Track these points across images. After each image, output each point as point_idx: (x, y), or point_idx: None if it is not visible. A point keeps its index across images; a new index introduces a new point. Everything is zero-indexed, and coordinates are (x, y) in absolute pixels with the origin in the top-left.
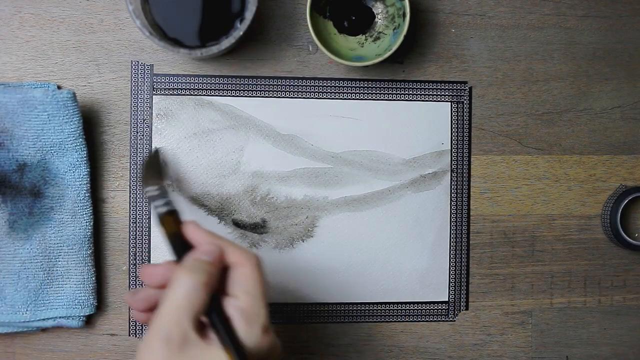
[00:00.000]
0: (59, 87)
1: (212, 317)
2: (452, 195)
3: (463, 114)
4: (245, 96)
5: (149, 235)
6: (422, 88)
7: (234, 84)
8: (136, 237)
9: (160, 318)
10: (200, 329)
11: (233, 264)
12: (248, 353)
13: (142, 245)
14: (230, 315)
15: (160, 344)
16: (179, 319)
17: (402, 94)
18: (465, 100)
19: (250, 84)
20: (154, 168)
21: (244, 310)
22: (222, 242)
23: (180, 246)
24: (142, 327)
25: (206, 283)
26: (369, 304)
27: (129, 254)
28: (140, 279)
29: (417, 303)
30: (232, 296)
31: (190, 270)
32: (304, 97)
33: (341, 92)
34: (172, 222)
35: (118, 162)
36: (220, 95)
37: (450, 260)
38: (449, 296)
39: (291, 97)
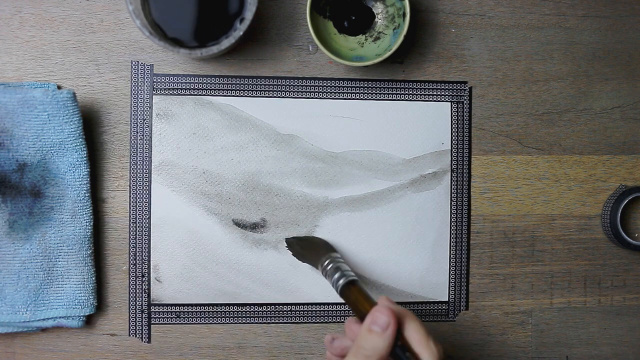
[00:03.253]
0: (59, 87)
1: (398, 357)
2: (452, 195)
3: (463, 114)
4: (245, 96)
5: (149, 235)
6: (422, 88)
7: (234, 84)
8: (136, 237)
9: None
10: None
11: (414, 350)
12: None
13: (142, 245)
14: None
15: None
16: None
17: (402, 94)
18: (465, 100)
19: (250, 84)
20: (315, 245)
21: None
22: (406, 317)
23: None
24: (142, 327)
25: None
26: None
27: (129, 254)
28: (344, 329)
29: (417, 303)
30: None
31: (361, 350)
32: (304, 97)
33: (341, 92)
34: (356, 294)
35: (118, 162)
36: (220, 95)
37: (450, 260)
38: (449, 296)
39: (291, 97)
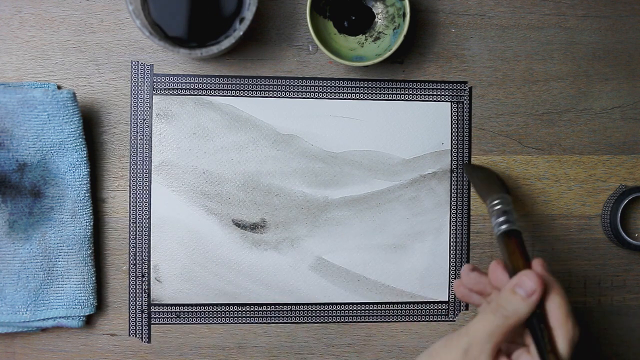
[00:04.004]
0: (59, 87)
1: (532, 326)
2: (452, 195)
3: (463, 114)
4: (245, 96)
5: (149, 235)
6: (422, 88)
7: (234, 84)
8: (136, 237)
9: (467, 331)
10: (496, 356)
11: (551, 324)
12: None
13: (142, 245)
14: None
15: (459, 351)
16: (482, 341)
17: (402, 94)
18: (465, 100)
19: (250, 84)
20: (491, 180)
21: None
22: (552, 287)
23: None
24: (142, 327)
25: (512, 324)
26: (369, 304)
27: (129, 254)
28: (463, 276)
29: (417, 303)
30: (533, 355)
31: (501, 309)
32: (304, 97)
33: (341, 92)
34: (515, 246)
35: (118, 162)
36: (220, 95)
37: (450, 260)
38: (449, 296)
39: (291, 97)
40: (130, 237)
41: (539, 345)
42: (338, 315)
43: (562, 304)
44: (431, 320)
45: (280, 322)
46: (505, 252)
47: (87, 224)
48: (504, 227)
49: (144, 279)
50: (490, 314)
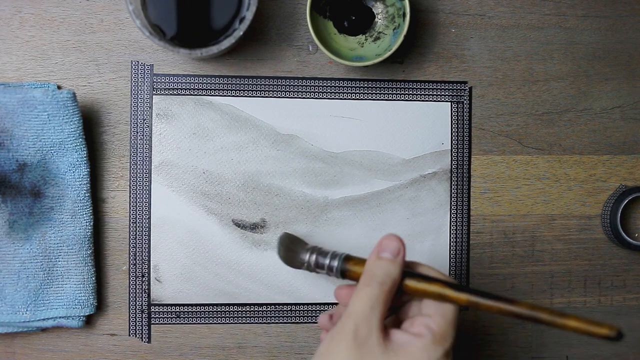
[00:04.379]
0: (59, 87)
1: (408, 284)
2: (452, 195)
3: (463, 114)
4: (245, 96)
5: (149, 235)
6: (422, 88)
7: (234, 84)
8: (136, 237)
9: (349, 313)
10: (384, 332)
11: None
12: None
13: (142, 245)
14: (417, 332)
15: (347, 336)
16: (366, 316)
17: (402, 94)
18: (465, 100)
19: (250, 84)
20: (289, 243)
21: (434, 331)
22: (416, 265)
23: None
24: (142, 327)
25: (389, 289)
26: None
27: (129, 254)
28: (336, 298)
29: None
30: (423, 314)
31: (373, 277)
32: (304, 97)
33: (341, 92)
34: (355, 264)
35: (118, 162)
36: (220, 95)
37: (450, 260)
38: None
39: (291, 97)
40: (130, 237)
41: (428, 291)
42: None
43: (429, 268)
44: None
45: (280, 322)
46: (358, 272)
47: (87, 224)
48: (338, 257)
49: (144, 279)
50: (364, 287)
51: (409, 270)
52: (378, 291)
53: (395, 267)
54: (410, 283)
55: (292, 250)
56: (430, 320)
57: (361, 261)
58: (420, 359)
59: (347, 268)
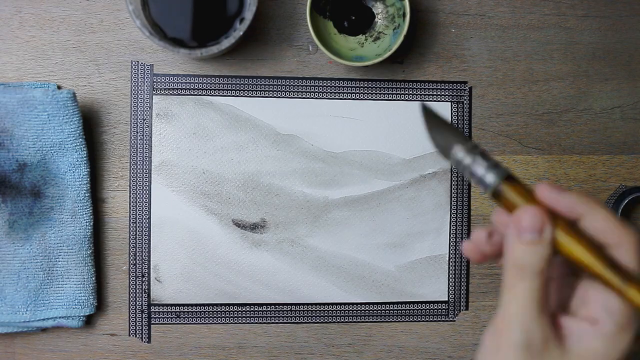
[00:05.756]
0: (59, 87)
1: (590, 267)
2: (452, 195)
3: (463, 114)
4: (245, 96)
5: (149, 235)
6: (422, 88)
7: (234, 84)
8: (136, 237)
9: (511, 320)
10: (553, 326)
11: (601, 241)
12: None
13: (142, 245)
14: (594, 317)
15: (517, 350)
16: (534, 320)
17: (402, 94)
18: (465, 100)
19: (250, 84)
20: (441, 125)
21: (614, 311)
22: (583, 205)
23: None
24: (142, 327)
25: (545, 275)
26: (369, 304)
27: (129, 254)
28: (494, 223)
29: (417, 303)
30: (595, 287)
31: (526, 269)
32: (304, 97)
33: (341, 92)
34: (516, 193)
35: (118, 162)
36: (220, 95)
37: (450, 260)
38: (448, 296)
39: (291, 97)
40: (130, 237)
41: (596, 270)
42: (338, 315)
43: (604, 214)
44: (431, 320)
45: (280, 322)
46: (515, 204)
47: (87, 224)
48: (496, 174)
49: (144, 279)
50: (519, 283)
51: (571, 229)
52: (537, 284)
53: (544, 248)
54: (568, 249)
55: (446, 137)
56: (609, 298)
57: (524, 191)
58: (605, 353)
59: (502, 194)
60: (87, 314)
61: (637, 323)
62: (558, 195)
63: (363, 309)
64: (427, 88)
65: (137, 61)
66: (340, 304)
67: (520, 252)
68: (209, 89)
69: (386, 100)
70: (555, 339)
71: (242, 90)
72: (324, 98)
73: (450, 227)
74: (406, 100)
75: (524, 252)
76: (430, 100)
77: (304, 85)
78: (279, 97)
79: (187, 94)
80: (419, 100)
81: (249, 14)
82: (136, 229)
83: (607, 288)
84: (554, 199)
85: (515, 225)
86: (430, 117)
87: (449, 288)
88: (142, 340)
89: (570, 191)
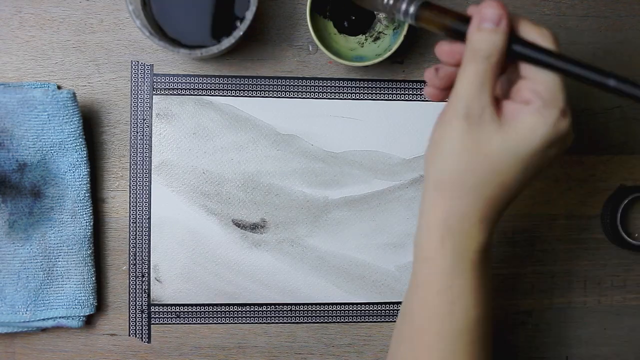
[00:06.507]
0: (59, 87)
1: (517, 49)
2: None
3: None
4: (245, 96)
5: (149, 235)
6: (422, 88)
7: (234, 84)
8: (136, 237)
9: (457, 95)
10: (496, 105)
11: (528, 39)
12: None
13: (142, 245)
14: (526, 99)
15: (458, 120)
16: (477, 94)
17: (402, 94)
18: None
19: (250, 84)
20: None
21: (540, 93)
22: (511, 14)
23: (460, 30)
24: (142, 327)
25: (497, 61)
26: (369, 304)
27: (129, 254)
28: (437, 56)
29: None
30: (527, 78)
31: (478, 52)
32: (304, 97)
33: (341, 92)
34: (434, 14)
35: (118, 162)
36: (221, 95)
37: None
38: None
39: (291, 97)
40: (130, 237)
41: (536, 57)
42: (338, 315)
43: (525, 19)
44: None
45: (280, 322)
46: (436, 24)
47: (87, 224)
48: (412, 7)
49: (144, 279)
50: (470, 63)
51: (515, 35)
52: (485, 66)
53: (500, 37)
54: (518, 49)
55: None
56: (537, 84)
57: (442, 10)
58: (536, 125)
59: (422, 15)
60: (87, 314)
61: (560, 102)
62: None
63: (363, 309)
64: None
65: (137, 61)
66: (340, 304)
67: (477, 37)
68: (209, 89)
69: (386, 100)
70: (495, 114)
71: (242, 90)
72: (324, 98)
73: None
74: (406, 100)
75: (480, 38)
76: (430, 100)
77: (304, 85)
78: (279, 97)
79: (187, 94)
80: (419, 101)
81: (249, 14)
82: (136, 229)
83: (539, 71)
84: (499, 3)
85: (477, 15)
86: None
87: None
88: (142, 340)
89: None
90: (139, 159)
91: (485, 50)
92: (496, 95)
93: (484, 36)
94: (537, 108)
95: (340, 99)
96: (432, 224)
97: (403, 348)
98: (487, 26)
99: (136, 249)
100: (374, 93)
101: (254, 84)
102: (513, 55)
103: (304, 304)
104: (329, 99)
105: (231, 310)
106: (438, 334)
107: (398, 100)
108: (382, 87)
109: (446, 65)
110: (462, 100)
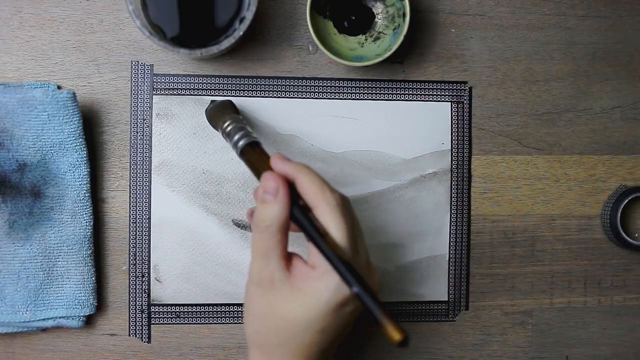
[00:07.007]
0: (59, 87)
1: (305, 230)
2: (452, 195)
3: (463, 114)
4: (245, 96)
5: (149, 235)
6: (422, 88)
7: (234, 84)
8: (136, 237)
9: (251, 265)
10: (288, 268)
11: (310, 204)
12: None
13: (142, 245)
14: (312, 263)
15: (253, 287)
16: (264, 262)
17: (402, 94)
18: (465, 100)
19: (250, 84)
20: (224, 108)
21: (319, 276)
22: (298, 174)
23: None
24: (142, 327)
25: (279, 229)
26: None
27: (129, 254)
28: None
29: (417, 303)
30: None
31: (260, 222)
32: (304, 97)
33: (341, 92)
34: (254, 153)
35: (118, 162)
36: (221, 95)
37: (450, 260)
38: (448, 296)
39: (291, 97)
40: (130, 237)
41: (308, 232)
42: None
43: (312, 179)
44: (431, 320)
45: None
46: (252, 166)
47: (87, 224)
48: (243, 141)
49: (144, 279)
50: (255, 234)
51: (299, 203)
52: (267, 235)
53: (279, 208)
54: (296, 214)
55: (220, 111)
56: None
57: (261, 156)
58: (319, 291)
59: (245, 154)
60: (87, 314)
61: (340, 268)
62: (283, 163)
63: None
64: (427, 88)
65: (137, 61)
66: None
67: (259, 209)
68: (209, 89)
69: (386, 100)
70: (286, 278)
71: (242, 90)
72: (324, 98)
73: (450, 227)
74: (406, 100)
75: (261, 208)
76: (431, 100)
77: (304, 85)
78: (279, 97)
79: (187, 94)
80: (419, 100)
81: (249, 14)
82: (136, 229)
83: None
84: (280, 166)
85: (261, 187)
86: (213, 107)
87: (449, 288)
88: (142, 340)
89: (292, 161)
90: (139, 159)
91: (265, 221)
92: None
93: (264, 207)
94: (319, 274)
95: (340, 99)
96: None
97: None
98: (266, 197)
99: (136, 249)
100: (374, 93)
101: (254, 84)
102: (294, 221)
103: None
104: (329, 99)
105: (231, 310)
106: None
107: (398, 100)
108: (382, 87)
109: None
110: (253, 268)
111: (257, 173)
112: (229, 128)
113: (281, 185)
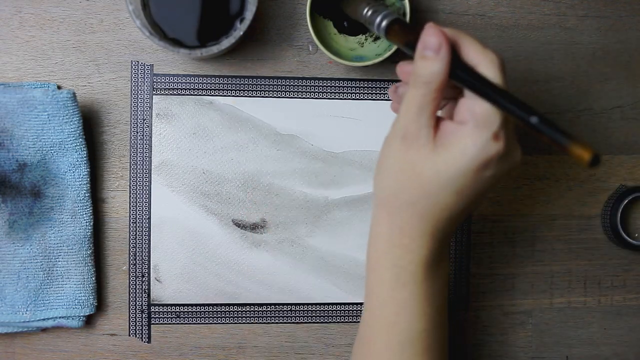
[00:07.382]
0: (59, 87)
1: (457, 74)
2: None
3: None
4: (245, 96)
5: (149, 235)
6: None
7: (234, 84)
8: (136, 237)
9: (398, 117)
10: (436, 127)
11: (472, 63)
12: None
13: (142, 245)
14: (462, 119)
15: (396, 141)
16: (414, 118)
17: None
18: None
19: (250, 84)
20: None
21: (476, 114)
22: (459, 36)
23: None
24: (142, 327)
25: (437, 87)
26: None
27: (129, 254)
28: (398, 76)
29: None
30: (467, 97)
31: (418, 78)
32: (304, 97)
33: (341, 92)
34: (400, 30)
35: (118, 162)
36: (221, 95)
37: (450, 260)
38: (449, 296)
39: (291, 97)
40: (130, 237)
41: (472, 84)
42: (338, 315)
43: (473, 41)
44: None
45: (280, 322)
46: (400, 42)
47: (87, 224)
48: (384, 23)
49: (144, 279)
50: (411, 89)
51: (460, 61)
52: (424, 91)
53: (439, 63)
54: (458, 74)
55: (354, 1)
56: (474, 103)
57: (409, 28)
58: (465, 147)
59: (391, 30)
60: (87, 314)
61: (494, 124)
62: (440, 28)
63: (363, 309)
64: None
65: (137, 61)
66: (340, 304)
67: (418, 64)
68: (209, 89)
69: (386, 100)
70: (432, 135)
71: (242, 90)
72: (324, 98)
73: None
74: None
75: (421, 65)
76: None
77: (304, 85)
78: (279, 97)
79: (187, 94)
80: None
81: (249, 14)
82: (136, 229)
83: (476, 96)
84: (438, 29)
85: (421, 44)
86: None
87: (449, 288)
88: (142, 340)
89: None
90: (139, 159)
91: (425, 77)
92: (445, 116)
93: (424, 63)
94: (469, 129)
95: (340, 99)
96: (377, 238)
97: (356, 358)
98: (427, 54)
99: (136, 249)
100: (374, 93)
101: (254, 84)
102: (455, 79)
103: (304, 304)
104: (329, 99)
105: (231, 310)
106: (384, 345)
107: None
108: (382, 87)
109: (405, 84)
110: (401, 122)
111: (408, 47)
112: (368, 14)
113: (444, 42)
